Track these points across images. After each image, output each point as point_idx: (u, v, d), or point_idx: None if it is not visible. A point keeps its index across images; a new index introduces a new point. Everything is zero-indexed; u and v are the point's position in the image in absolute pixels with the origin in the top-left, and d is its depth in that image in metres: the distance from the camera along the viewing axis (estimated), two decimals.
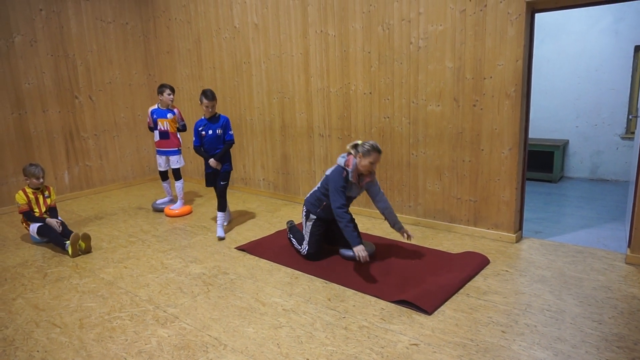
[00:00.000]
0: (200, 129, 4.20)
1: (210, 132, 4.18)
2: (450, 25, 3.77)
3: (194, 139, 4.25)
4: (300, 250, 3.62)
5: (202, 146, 4.23)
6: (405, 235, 3.44)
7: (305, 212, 3.59)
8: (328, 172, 3.43)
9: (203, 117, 4.22)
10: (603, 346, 2.32)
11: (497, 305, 2.77)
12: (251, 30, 5.31)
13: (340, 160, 3.30)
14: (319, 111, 4.89)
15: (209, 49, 5.87)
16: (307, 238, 3.57)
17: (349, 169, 3.24)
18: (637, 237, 3.25)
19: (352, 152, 3.25)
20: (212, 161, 4.17)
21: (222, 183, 4.26)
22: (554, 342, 2.36)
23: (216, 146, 4.22)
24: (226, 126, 4.24)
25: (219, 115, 4.25)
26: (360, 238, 3.18)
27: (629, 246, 3.37)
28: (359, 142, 3.24)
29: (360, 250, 3.07)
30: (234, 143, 4.37)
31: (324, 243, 3.63)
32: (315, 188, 3.57)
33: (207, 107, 4.09)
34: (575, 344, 2.35)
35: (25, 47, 5.42)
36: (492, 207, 3.85)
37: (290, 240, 3.83)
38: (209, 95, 4.06)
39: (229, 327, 2.63)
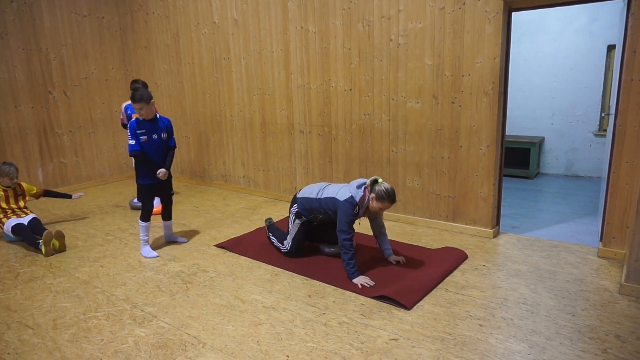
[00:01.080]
0: (139, 132, 3.51)
1: (154, 136, 3.56)
2: (430, 23, 3.80)
3: (132, 142, 3.50)
4: (282, 248, 3.57)
5: (144, 153, 3.56)
6: (394, 261, 3.33)
7: (296, 212, 3.44)
8: (336, 192, 3.18)
9: (140, 119, 3.53)
10: (576, 337, 2.38)
11: (475, 300, 2.81)
12: (231, 25, 5.25)
13: (356, 193, 3.08)
14: (299, 108, 4.87)
15: (187, 44, 5.78)
16: (292, 235, 3.49)
17: (361, 205, 3.09)
18: (608, 231, 3.34)
19: (369, 187, 3.08)
20: (162, 172, 3.58)
21: (172, 193, 3.89)
22: (530, 335, 2.41)
23: (162, 152, 3.64)
24: (171, 130, 3.71)
25: (159, 115, 3.65)
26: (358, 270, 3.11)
27: (601, 240, 3.47)
28: (380, 179, 3.09)
29: (361, 281, 3.01)
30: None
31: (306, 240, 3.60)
32: (313, 196, 3.32)
33: (140, 108, 3.47)
34: (550, 335, 2.40)
35: None
36: (471, 203, 3.91)
37: (269, 239, 3.77)
38: (134, 95, 3.45)
39: (208, 325, 2.60)
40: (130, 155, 3.59)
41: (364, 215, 3.20)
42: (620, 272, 3.12)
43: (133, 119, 3.58)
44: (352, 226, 3.11)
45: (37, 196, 4.39)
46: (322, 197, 3.27)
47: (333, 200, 3.18)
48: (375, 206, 3.06)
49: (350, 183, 3.20)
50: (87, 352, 2.38)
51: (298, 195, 3.47)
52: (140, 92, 3.47)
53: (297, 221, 3.47)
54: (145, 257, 3.69)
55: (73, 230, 4.41)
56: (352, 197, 3.08)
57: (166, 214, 3.94)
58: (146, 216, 3.72)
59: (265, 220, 3.95)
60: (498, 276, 3.13)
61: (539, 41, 6.09)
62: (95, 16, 6.17)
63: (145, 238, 3.75)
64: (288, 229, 3.57)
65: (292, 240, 3.50)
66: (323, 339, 2.43)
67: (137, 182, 3.74)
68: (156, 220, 4.65)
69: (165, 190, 3.83)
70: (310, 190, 3.40)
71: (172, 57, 6.02)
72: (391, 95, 4.14)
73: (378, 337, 2.43)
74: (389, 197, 3.01)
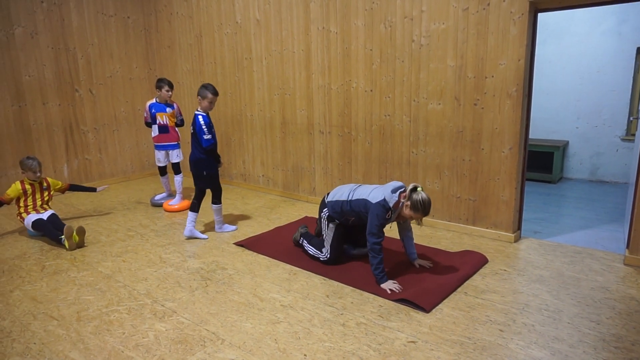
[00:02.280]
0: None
1: (214, 129, 4.07)
2: (453, 24, 3.76)
3: (208, 136, 3.86)
4: (320, 256, 3.42)
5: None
6: (418, 265, 3.29)
7: (327, 216, 3.35)
8: (368, 194, 3.11)
9: (205, 114, 3.95)
10: (600, 346, 2.32)
11: (495, 304, 2.77)
12: (253, 25, 5.30)
13: (390, 197, 2.98)
14: (319, 108, 4.88)
15: (210, 44, 5.85)
16: (329, 242, 3.37)
17: (394, 210, 3.00)
18: (635, 238, 3.25)
19: (406, 192, 2.98)
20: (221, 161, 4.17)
21: None
22: (552, 342, 2.36)
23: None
24: None
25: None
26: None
27: (627, 247, 3.38)
28: (420, 188, 2.96)
29: (390, 286, 2.95)
30: None
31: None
32: (344, 198, 3.24)
33: (211, 102, 3.91)
34: (573, 343, 2.35)
35: (26, 39, 5.40)
36: (492, 206, 3.85)
37: (304, 247, 3.58)
38: (212, 89, 3.90)
39: (227, 322, 2.63)
40: (209, 149, 3.91)
41: (394, 220, 3.13)
42: None
43: (203, 115, 3.91)
44: (383, 230, 3.03)
45: (62, 191, 4.51)
46: (353, 199, 3.18)
47: (364, 202, 3.10)
48: (407, 213, 2.98)
49: (385, 185, 3.11)
50: (109, 345, 2.43)
51: (327, 199, 3.38)
52: (213, 85, 3.89)
53: (331, 225, 3.35)
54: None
55: (96, 225, 4.51)
56: (385, 200, 2.99)
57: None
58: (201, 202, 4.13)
59: (300, 228, 3.76)
60: (519, 281, 3.07)
61: (565, 43, 5.96)
62: (120, 16, 6.30)
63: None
64: (322, 235, 3.44)
65: (331, 246, 3.36)
66: (341, 339, 2.43)
67: (206, 172, 4.00)
68: (180, 217, 4.73)
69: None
70: (340, 193, 3.32)
71: (194, 57, 6.10)
72: (412, 97, 4.12)
73: (396, 339, 2.42)
74: (423, 209, 2.92)
